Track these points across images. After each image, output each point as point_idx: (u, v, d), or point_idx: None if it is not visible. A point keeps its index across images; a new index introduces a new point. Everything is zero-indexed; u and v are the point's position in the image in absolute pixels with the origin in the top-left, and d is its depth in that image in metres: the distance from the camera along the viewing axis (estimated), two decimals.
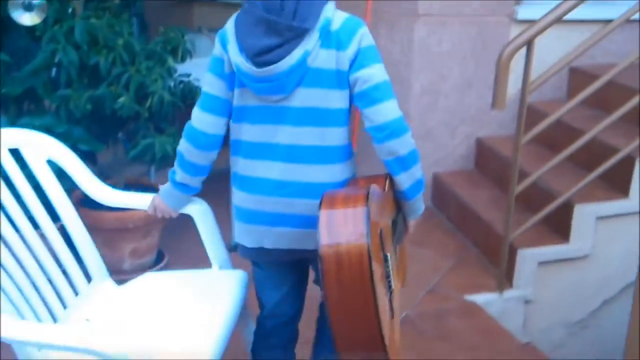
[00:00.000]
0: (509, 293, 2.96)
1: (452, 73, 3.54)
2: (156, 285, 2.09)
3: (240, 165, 1.74)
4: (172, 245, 3.05)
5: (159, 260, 2.98)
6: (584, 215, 2.96)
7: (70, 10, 2.92)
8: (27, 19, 2.60)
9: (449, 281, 3.03)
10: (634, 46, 3.71)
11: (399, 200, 1.77)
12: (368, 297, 1.40)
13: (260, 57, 1.58)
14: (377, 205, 1.54)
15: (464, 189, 3.51)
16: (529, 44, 2.55)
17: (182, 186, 1.84)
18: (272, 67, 1.58)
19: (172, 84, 2.90)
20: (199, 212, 2.01)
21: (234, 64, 1.63)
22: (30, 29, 2.70)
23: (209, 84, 1.71)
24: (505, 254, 2.87)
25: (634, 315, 1.73)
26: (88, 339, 1.55)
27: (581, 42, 2.78)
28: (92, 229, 2.79)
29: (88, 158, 2.83)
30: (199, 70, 3.11)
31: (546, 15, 2.57)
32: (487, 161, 3.66)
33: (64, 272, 1.99)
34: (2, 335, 1.50)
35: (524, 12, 3.57)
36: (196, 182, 1.85)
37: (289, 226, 1.70)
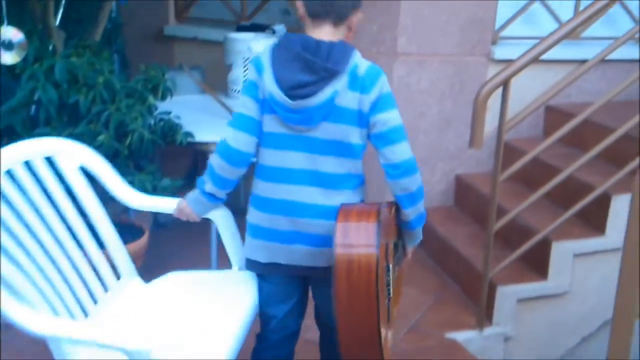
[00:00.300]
0: (488, 330, 2.96)
1: (430, 111, 3.58)
2: (181, 284, 2.21)
3: (261, 187, 1.91)
4: None
5: None
6: (561, 252, 2.99)
7: (50, 48, 2.93)
8: (8, 58, 2.59)
9: (430, 319, 3.02)
10: (608, 85, 3.79)
11: (401, 228, 1.96)
12: (372, 298, 1.62)
13: (294, 90, 1.76)
14: (384, 223, 1.72)
15: (443, 225, 3.53)
16: (505, 84, 2.59)
17: (209, 196, 1.97)
18: (304, 101, 1.76)
19: (152, 121, 2.90)
20: (221, 217, 2.16)
21: (267, 92, 1.79)
22: (10, 67, 2.69)
23: (245, 106, 1.85)
24: (484, 291, 2.88)
25: (610, 354, 1.75)
26: (113, 336, 1.66)
27: (557, 81, 2.83)
28: None
29: None
30: (179, 108, 3.13)
31: (522, 56, 2.62)
32: (466, 198, 3.69)
33: (95, 271, 2.12)
34: (38, 330, 1.63)
35: (500, 52, 3.64)
36: (223, 194, 1.99)
37: (304, 244, 1.88)
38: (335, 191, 1.86)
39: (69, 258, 2.02)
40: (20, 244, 1.86)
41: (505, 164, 2.74)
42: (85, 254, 2.09)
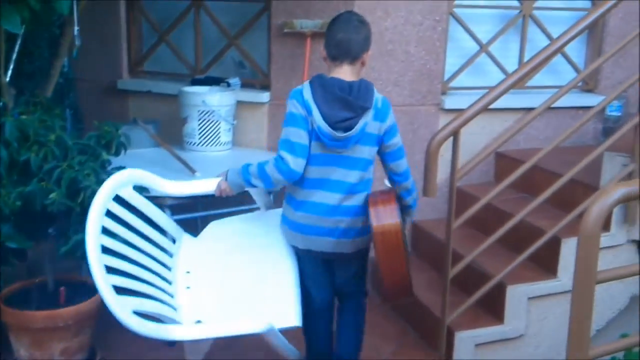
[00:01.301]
0: None
1: None
2: (225, 232, 2.73)
3: (301, 193, 2.46)
4: (107, 342, 2.97)
5: (92, 358, 2.88)
6: (516, 296, 3.03)
7: (0, 105, 2.89)
8: None
9: None
10: (554, 132, 3.91)
11: (402, 210, 2.51)
12: (400, 251, 2.32)
13: (338, 124, 2.32)
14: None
15: None
16: (455, 134, 2.66)
17: (252, 186, 2.51)
18: (348, 133, 2.32)
19: (105, 177, 2.86)
20: (255, 191, 2.73)
21: (317, 125, 2.33)
22: None
23: (299, 136, 2.36)
24: (443, 337, 2.89)
25: None
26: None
27: (505, 128, 2.91)
28: (20, 328, 2.70)
29: (17, 255, 2.75)
30: (134, 162, 3.11)
31: (471, 105, 2.70)
32: (423, 244, 3.72)
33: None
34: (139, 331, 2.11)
35: (450, 102, 3.74)
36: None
37: (332, 236, 2.46)
38: (356, 195, 2.44)
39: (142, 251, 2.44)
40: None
41: (459, 210, 2.79)
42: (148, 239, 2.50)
